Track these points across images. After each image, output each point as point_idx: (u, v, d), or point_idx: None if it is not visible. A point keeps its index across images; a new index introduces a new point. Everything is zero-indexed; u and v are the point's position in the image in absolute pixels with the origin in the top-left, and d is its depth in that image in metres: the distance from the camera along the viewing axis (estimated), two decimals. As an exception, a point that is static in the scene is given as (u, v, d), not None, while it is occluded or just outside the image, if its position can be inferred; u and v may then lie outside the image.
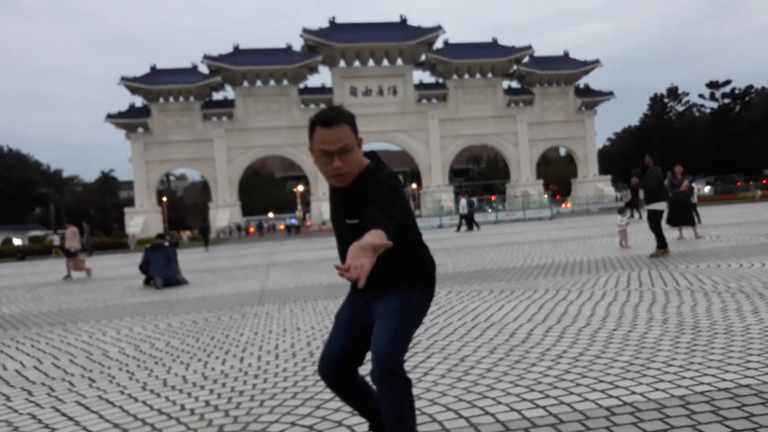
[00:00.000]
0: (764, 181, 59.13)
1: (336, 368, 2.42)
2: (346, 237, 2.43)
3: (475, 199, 38.20)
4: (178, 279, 12.12)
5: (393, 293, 2.36)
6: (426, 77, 77.08)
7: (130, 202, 75.44)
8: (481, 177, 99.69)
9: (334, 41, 68.86)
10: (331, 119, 2.26)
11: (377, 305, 2.36)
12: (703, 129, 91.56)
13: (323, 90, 72.31)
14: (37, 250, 41.80)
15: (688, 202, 14.37)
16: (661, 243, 10.38)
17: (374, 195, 2.20)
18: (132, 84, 67.71)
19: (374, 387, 2.26)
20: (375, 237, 1.95)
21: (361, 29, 71.41)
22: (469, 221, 30.93)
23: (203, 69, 70.29)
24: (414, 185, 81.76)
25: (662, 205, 10.52)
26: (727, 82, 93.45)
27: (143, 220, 66.58)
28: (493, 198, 64.36)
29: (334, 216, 2.50)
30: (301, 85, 71.86)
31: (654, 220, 10.44)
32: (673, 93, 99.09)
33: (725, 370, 3.47)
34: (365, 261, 1.80)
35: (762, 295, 5.79)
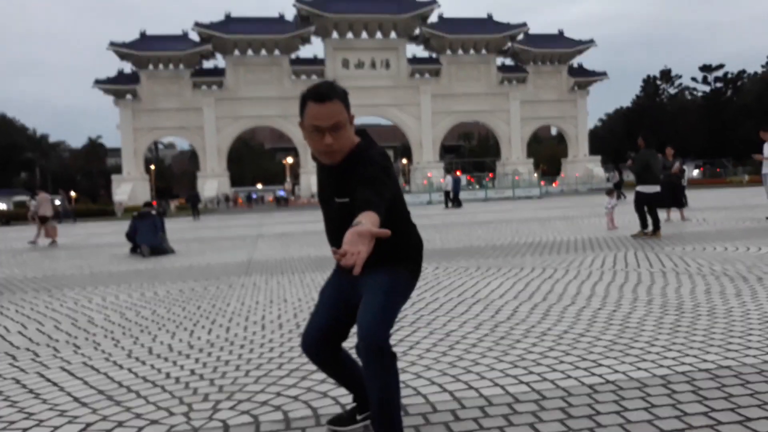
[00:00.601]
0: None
1: (319, 343, 2.42)
2: (334, 215, 2.42)
3: (464, 176, 38.23)
4: (165, 248, 12.07)
5: (380, 270, 2.34)
6: (419, 51, 76.77)
7: (118, 169, 74.81)
8: (472, 154, 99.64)
9: (327, 12, 68.00)
10: (325, 95, 2.22)
11: (364, 281, 2.35)
12: (695, 112, 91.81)
13: (315, 61, 71.59)
14: (23, 215, 41.40)
15: (679, 184, 14.47)
16: (656, 224, 10.53)
17: (366, 175, 2.18)
18: (121, 50, 66.65)
19: (359, 360, 2.26)
20: (370, 219, 1.93)
21: (355, 0, 70.52)
22: (454, 198, 31.08)
23: (194, 36, 69.30)
24: (404, 160, 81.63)
25: (648, 188, 10.57)
26: (720, 66, 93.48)
27: (130, 187, 66.11)
28: (490, 175, 64.46)
29: (321, 193, 2.48)
30: (293, 56, 71.09)
31: (640, 201, 10.57)
32: (666, 75, 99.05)
33: (707, 351, 3.51)
34: (362, 248, 1.77)
35: (745, 279, 5.86)
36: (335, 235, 2.46)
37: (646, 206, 10.64)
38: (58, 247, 15.52)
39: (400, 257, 2.42)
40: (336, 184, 2.35)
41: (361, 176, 2.18)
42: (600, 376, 3.18)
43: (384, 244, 2.29)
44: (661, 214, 15.72)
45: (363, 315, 2.20)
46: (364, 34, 71.59)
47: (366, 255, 1.76)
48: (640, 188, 10.71)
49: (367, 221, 1.92)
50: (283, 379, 3.40)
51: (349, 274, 2.43)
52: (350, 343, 3.69)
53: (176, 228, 22.39)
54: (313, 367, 3.60)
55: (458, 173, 46.14)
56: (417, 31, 72.64)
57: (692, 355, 3.45)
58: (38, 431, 2.81)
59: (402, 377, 3.27)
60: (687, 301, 4.96)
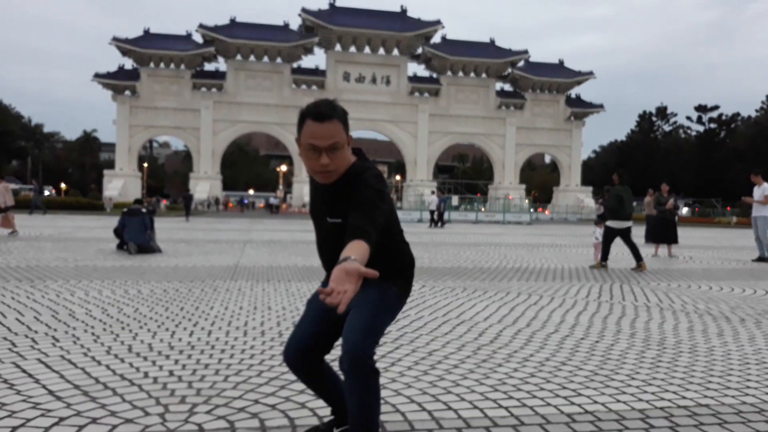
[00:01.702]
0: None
1: (302, 355, 2.39)
2: (327, 234, 2.40)
3: (455, 197, 38.32)
4: (152, 246, 11.99)
5: (370, 286, 2.33)
6: (420, 70, 77.00)
7: (111, 164, 74.51)
8: (465, 176, 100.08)
9: (332, 24, 68.38)
10: (324, 114, 2.17)
11: (354, 296, 2.36)
12: (688, 151, 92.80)
13: (316, 72, 71.84)
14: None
15: (672, 220, 14.59)
16: (637, 257, 10.74)
17: (360, 198, 2.17)
18: (123, 45, 66.63)
19: (341, 374, 2.25)
20: (359, 252, 1.93)
21: (360, 15, 70.99)
22: (439, 218, 31.32)
23: (197, 38, 69.41)
24: (398, 177, 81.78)
25: (620, 224, 10.94)
26: (715, 107, 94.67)
27: (122, 183, 65.77)
28: (478, 195, 64.68)
29: (314, 209, 2.45)
30: (295, 65, 71.31)
31: (609, 235, 10.99)
32: (662, 112, 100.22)
33: (686, 389, 3.53)
34: (349, 287, 1.75)
35: (728, 319, 5.90)
36: (327, 253, 2.45)
37: (623, 240, 10.97)
38: (19, 238, 15.38)
39: (391, 273, 2.41)
40: (329, 203, 2.33)
41: (356, 199, 2.17)
42: (579, 405, 3.19)
43: (375, 261, 2.28)
44: (649, 249, 15.85)
45: (349, 329, 2.18)
46: (367, 49, 72.00)
47: (353, 294, 1.75)
48: (611, 223, 11.08)
49: (357, 255, 1.91)
50: (261, 387, 3.38)
51: None
52: (332, 356, 3.67)
53: (165, 227, 22.27)
54: (292, 376, 3.58)
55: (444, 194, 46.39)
56: (419, 50, 73.15)
57: (672, 391, 3.46)
58: (10, 422, 2.77)
59: (382, 393, 3.25)
60: (669, 337, 4.99)
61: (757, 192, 13.43)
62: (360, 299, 2.28)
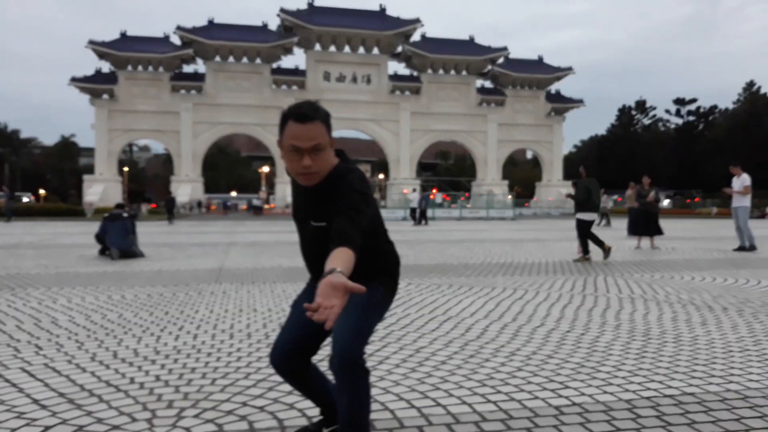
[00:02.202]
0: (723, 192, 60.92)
1: (289, 358, 2.38)
2: (310, 238, 2.37)
3: (440, 194, 38.41)
4: (135, 251, 11.88)
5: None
6: (401, 69, 77.01)
7: (90, 169, 73.56)
8: (448, 173, 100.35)
9: (311, 24, 68.15)
10: (307, 115, 2.15)
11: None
12: (667, 144, 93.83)
13: (296, 72, 71.54)
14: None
15: (654, 213, 14.74)
16: (585, 249, 11.08)
17: (344, 202, 2.15)
18: (100, 48, 65.83)
19: (328, 374, 2.24)
20: (344, 261, 1.91)
21: (339, 14, 70.81)
22: (421, 215, 31.41)
23: (175, 40, 68.77)
24: (381, 176, 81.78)
25: (589, 215, 11.19)
26: (693, 100, 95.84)
27: (102, 188, 64.99)
28: (466, 194, 64.89)
29: (296, 212, 2.43)
30: (275, 65, 70.93)
31: (582, 228, 11.15)
32: (641, 106, 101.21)
33: (671, 378, 3.57)
34: (336, 302, 1.72)
35: (711, 308, 5.97)
36: (311, 256, 2.43)
37: (582, 232, 11.22)
38: None
39: (377, 274, 2.41)
40: (313, 206, 2.30)
41: (340, 203, 2.15)
42: (567, 398, 3.21)
43: (362, 263, 2.27)
44: (632, 241, 16.01)
45: (339, 331, 2.17)
46: (347, 48, 71.85)
47: (339, 310, 1.72)
48: (580, 215, 11.27)
49: (342, 266, 1.88)
50: (249, 389, 3.36)
51: None
52: (320, 356, 3.67)
53: (147, 232, 22.07)
54: (280, 378, 3.56)
55: (435, 191, 46.35)
56: (399, 49, 73.14)
57: (657, 381, 3.50)
58: (-6, 432, 2.73)
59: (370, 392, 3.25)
60: (654, 327, 5.04)
61: (737, 183, 13.62)
62: (348, 301, 2.27)
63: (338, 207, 2.14)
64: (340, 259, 1.93)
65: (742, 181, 13.50)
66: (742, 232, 13.48)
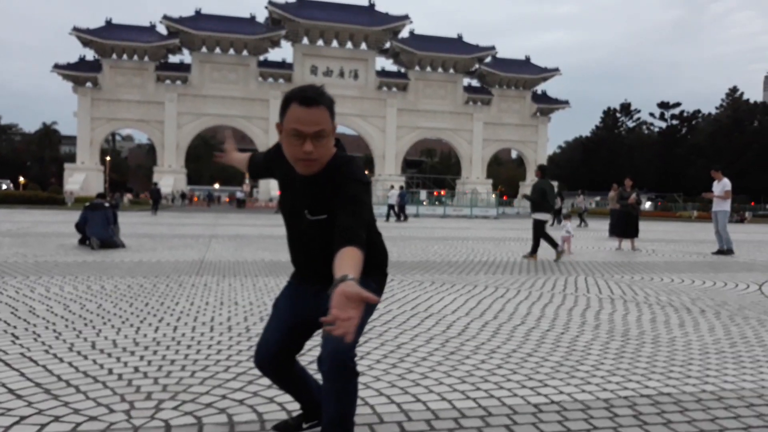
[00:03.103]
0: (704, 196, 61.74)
1: (273, 359, 2.32)
2: (305, 231, 2.24)
3: (424, 191, 38.58)
4: (116, 241, 11.77)
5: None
6: (388, 65, 77.06)
7: (72, 158, 72.77)
8: (433, 170, 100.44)
9: (299, 17, 67.86)
10: (312, 99, 2.04)
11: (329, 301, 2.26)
12: (651, 147, 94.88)
13: (283, 65, 71.28)
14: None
15: (634, 214, 14.90)
16: (535, 248, 11.41)
17: (349, 194, 2.06)
18: (84, 36, 65.09)
19: (311, 370, 2.21)
20: (354, 264, 1.83)
21: (328, 8, 70.61)
22: (399, 211, 31.74)
23: (161, 30, 68.25)
24: (366, 171, 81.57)
25: (544, 215, 11.59)
26: (677, 104, 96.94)
27: (83, 177, 64.35)
28: (442, 192, 65.05)
29: (287, 205, 2.28)
30: (261, 58, 70.62)
31: (537, 228, 11.49)
32: (626, 109, 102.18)
33: (649, 378, 3.61)
34: (353, 313, 1.62)
35: (689, 310, 6.05)
36: (301, 251, 2.31)
37: (536, 231, 11.53)
38: None
39: (369, 268, 2.29)
40: (309, 197, 2.17)
41: (344, 195, 2.06)
42: (545, 396, 3.23)
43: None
44: (613, 243, 16.16)
45: (325, 345, 2.09)
46: (335, 43, 71.69)
47: (357, 321, 1.62)
48: (536, 215, 11.62)
49: (354, 271, 1.79)
50: (229, 382, 3.34)
51: (311, 287, 2.32)
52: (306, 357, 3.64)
53: (129, 222, 21.86)
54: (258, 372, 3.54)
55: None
56: (387, 45, 73.12)
57: (635, 381, 3.54)
58: (-32, 422, 2.69)
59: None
60: (633, 328, 5.09)
61: (717, 187, 13.80)
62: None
63: (341, 200, 2.06)
64: (351, 264, 1.84)
65: (723, 185, 13.68)
66: (721, 236, 13.67)
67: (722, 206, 13.69)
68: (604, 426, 2.81)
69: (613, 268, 10.18)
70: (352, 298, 1.64)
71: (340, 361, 2.03)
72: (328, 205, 2.14)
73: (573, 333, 4.82)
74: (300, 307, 2.34)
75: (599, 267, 10.27)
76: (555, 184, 77.64)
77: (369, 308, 2.26)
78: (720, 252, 13.56)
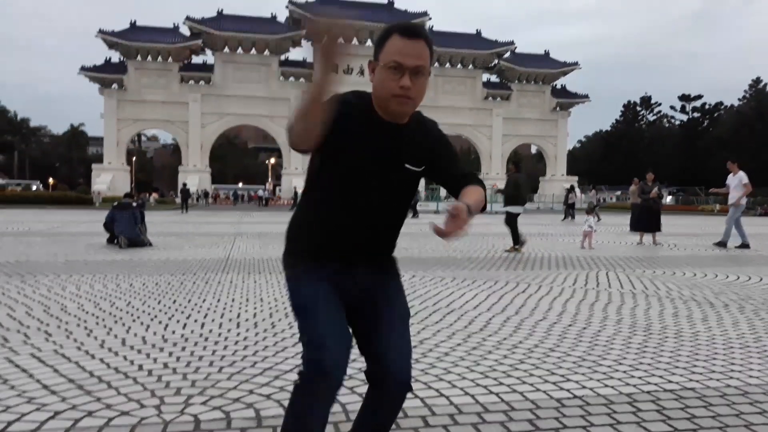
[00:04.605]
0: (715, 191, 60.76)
1: (344, 369, 1.84)
2: (384, 190, 1.93)
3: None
4: (143, 240, 11.97)
5: (395, 280, 2.08)
6: (408, 62, 76.76)
7: (99, 158, 73.81)
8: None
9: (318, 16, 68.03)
10: (416, 31, 1.84)
11: (385, 297, 2.01)
12: (672, 140, 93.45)
13: (304, 64, 71.51)
14: (-1, 198, 40.65)
15: (656, 209, 14.76)
16: (516, 240, 11.69)
17: (454, 153, 2.02)
18: (110, 38, 65.97)
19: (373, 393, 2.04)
20: (476, 202, 1.81)
21: (348, 7, 70.61)
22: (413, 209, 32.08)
23: (184, 31, 68.84)
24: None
25: (517, 209, 11.94)
26: (699, 97, 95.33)
27: (111, 177, 65.28)
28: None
29: (367, 158, 1.89)
30: (283, 57, 70.94)
31: (510, 220, 11.83)
32: (646, 102, 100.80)
33: (672, 373, 3.61)
34: (464, 224, 1.64)
35: (712, 305, 6.00)
36: (367, 219, 1.94)
37: (508, 223, 11.84)
38: (8, 233, 15.28)
39: (393, 254, 2.15)
40: (405, 147, 1.93)
41: (447, 153, 2.03)
42: (568, 390, 3.25)
43: (398, 230, 2.07)
44: (635, 237, 16.00)
45: (399, 352, 1.95)
46: (355, 41, 71.76)
47: (464, 225, 1.65)
48: (510, 208, 11.94)
49: (475, 205, 1.79)
50: (256, 377, 3.42)
51: (354, 275, 1.98)
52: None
53: (156, 221, 22.15)
54: (286, 367, 3.62)
55: None
56: (407, 41, 72.94)
57: (658, 376, 3.54)
58: (5, 417, 2.79)
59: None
60: (655, 322, 5.07)
61: (733, 180, 13.64)
62: (397, 310, 2.03)
63: (449, 157, 2.02)
64: (474, 198, 1.83)
65: (739, 178, 13.52)
66: (741, 229, 13.46)
67: (737, 200, 13.55)
68: (627, 420, 2.83)
69: (635, 262, 10.10)
70: (461, 214, 1.66)
71: (406, 383, 1.95)
72: (423, 158, 1.98)
73: (595, 328, 4.82)
74: (348, 300, 1.97)
75: (621, 261, 10.19)
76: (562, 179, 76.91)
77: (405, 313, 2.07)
78: (743, 246, 13.35)
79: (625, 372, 3.60)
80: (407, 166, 1.94)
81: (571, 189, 31.23)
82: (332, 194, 1.92)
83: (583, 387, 3.31)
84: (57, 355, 3.84)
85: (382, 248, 2.04)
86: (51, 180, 75.94)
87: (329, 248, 1.95)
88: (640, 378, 3.49)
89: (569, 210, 30.26)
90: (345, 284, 1.96)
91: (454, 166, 2.01)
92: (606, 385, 3.35)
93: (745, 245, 13.31)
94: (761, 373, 3.64)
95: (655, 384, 3.38)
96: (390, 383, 1.94)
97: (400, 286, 2.11)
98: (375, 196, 1.92)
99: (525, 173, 12.34)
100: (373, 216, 1.95)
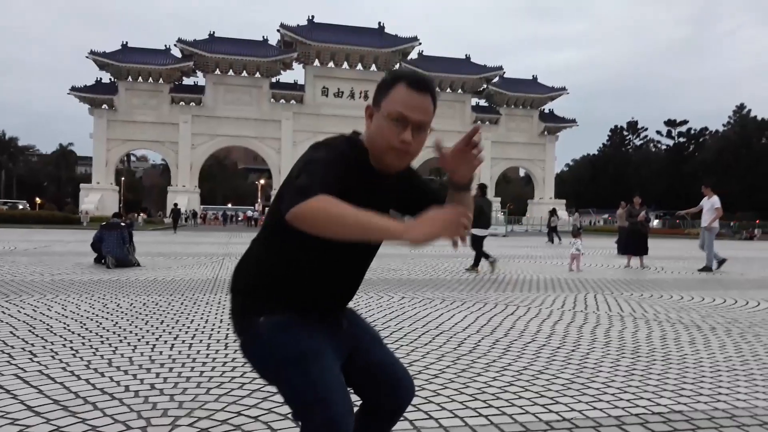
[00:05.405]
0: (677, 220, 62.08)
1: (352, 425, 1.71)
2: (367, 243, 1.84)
3: None
4: (131, 260, 11.89)
5: (355, 313, 2.08)
6: (398, 86, 77.32)
7: (87, 178, 73.46)
8: (442, 189, 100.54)
9: (310, 39, 68.57)
10: (425, 85, 1.76)
11: (358, 329, 2.00)
12: (658, 164, 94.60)
13: (295, 86, 71.90)
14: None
15: (643, 232, 14.91)
16: (477, 261, 12.22)
17: (424, 179, 2.05)
18: (100, 59, 66.06)
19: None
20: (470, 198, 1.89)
21: (338, 31, 71.33)
22: None
23: (176, 52, 69.05)
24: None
25: (482, 231, 12.35)
26: (684, 122, 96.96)
27: (99, 197, 64.89)
28: None
29: (362, 202, 1.62)
30: (274, 80, 71.28)
31: (475, 242, 12.18)
32: (633, 126, 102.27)
33: (660, 396, 3.62)
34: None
35: (699, 328, 6.04)
36: (353, 269, 1.90)
37: (474, 245, 12.20)
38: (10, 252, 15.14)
39: None
40: (391, 195, 1.92)
41: (422, 180, 2.04)
42: (557, 413, 3.26)
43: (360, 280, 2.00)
44: (622, 260, 16.10)
45: (402, 371, 1.96)
46: (345, 65, 72.30)
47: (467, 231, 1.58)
48: (474, 231, 12.21)
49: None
50: (244, 399, 3.40)
51: (336, 322, 1.92)
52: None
53: (144, 241, 22.02)
54: (274, 388, 3.59)
55: None
56: (397, 66, 73.65)
57: (646, 398, 3.55)
58: (-10, 437, 2.75)
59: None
60: (643, 345, 5.10)
61: (707, 204, 13.86)
62: (373, 333, 2.04)
63: (427, 190, 2.02)
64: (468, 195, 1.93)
65: (711, 203, 13.72)
66: (708, 252, 13.65)
67: (709, 223, 13.75)
68: (614, 442, 2.83)
69: (623, 285, 10.15)
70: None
71: (412, 395, 1.99)
72: (405, 197, 1.97)
73: (583, 350, 4.84)
74: (341, 348, 1.89)
75: (608, 284, 10.24)
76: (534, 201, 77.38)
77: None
78: (721, 262, 13.60)
79: (613, 395, 3.62)
80: (392, 211, 1.91)
81: (554, 212, 31.55)
82: (315, 246, 1.70)
83: (572, 409, 3.32)
84: (42, 376, 3.79)
85: (349, 294, 1.97)
86: (38, 199, 75.42)
87: (310, 298, 1.84)
88: (628, 401, 3.50)
89: (552, 233, 30.57)
90: (331, 334, 1.86)
91: (428, 186, 2.03)
92: (594, 408, 3.35)
93: (707, 268, 13.48)
94: (748, 396, 3.67)
95: (643, 407, 3.39)
96: (402, 398, 1.93)
97: (361, 318, 2.11)
98: (362, 247, 1.78)
99: (489, 198, 13.14)
100: (358, 266, 1.91)
